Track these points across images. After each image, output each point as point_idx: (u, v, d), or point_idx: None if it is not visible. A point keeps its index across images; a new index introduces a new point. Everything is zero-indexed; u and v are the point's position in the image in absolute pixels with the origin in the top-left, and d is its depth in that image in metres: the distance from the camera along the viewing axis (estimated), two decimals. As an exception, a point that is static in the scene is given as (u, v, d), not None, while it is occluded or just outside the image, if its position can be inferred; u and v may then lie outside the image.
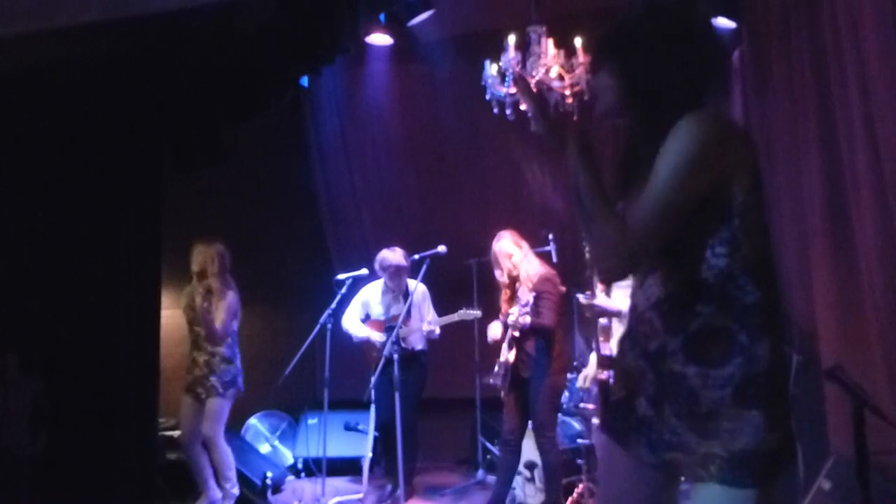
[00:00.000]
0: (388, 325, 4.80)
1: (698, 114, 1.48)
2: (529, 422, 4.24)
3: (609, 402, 1.76)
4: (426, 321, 4.90)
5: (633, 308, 1.64)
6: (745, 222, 1.48)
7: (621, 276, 1.70)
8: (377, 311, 5.00)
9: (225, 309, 4.42)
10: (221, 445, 4.45)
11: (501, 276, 4.26)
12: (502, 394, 4.25)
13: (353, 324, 5.00)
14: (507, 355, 4.13)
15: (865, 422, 2.45)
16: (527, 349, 4.13)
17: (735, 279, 1.47)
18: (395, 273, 4.85)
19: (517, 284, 4.18)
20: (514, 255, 4.18)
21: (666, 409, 1.51)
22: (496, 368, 4.23)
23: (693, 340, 1.48)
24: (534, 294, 3.98)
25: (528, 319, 3.97)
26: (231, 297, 4.48)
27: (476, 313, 4.83)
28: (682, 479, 1.57)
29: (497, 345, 4.23)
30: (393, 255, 4.86)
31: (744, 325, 1.45)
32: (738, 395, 1.44)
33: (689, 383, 1.48)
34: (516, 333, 4.07)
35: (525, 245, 4.26)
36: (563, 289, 4.18)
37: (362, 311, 5.05)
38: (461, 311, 4.85)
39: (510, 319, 4.02)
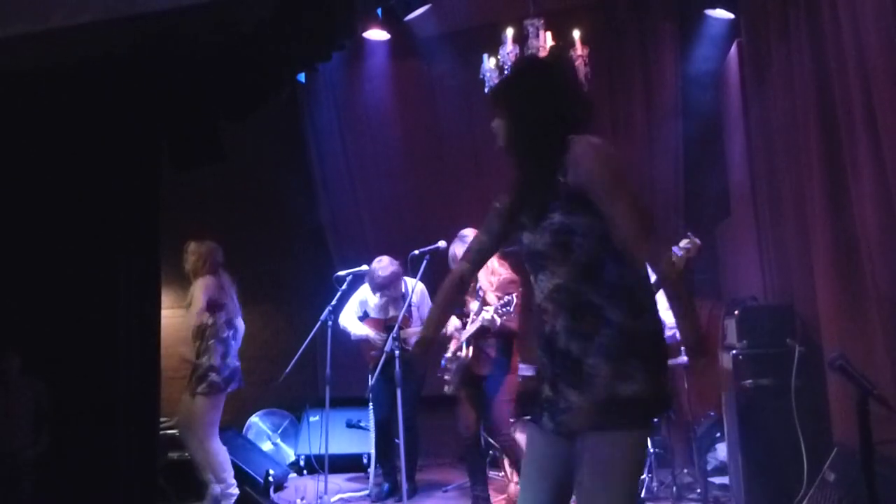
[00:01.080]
0: (387, 325, 4.78)
1: (583, 138, 1.86)
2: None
3: (526, 400, 2.08)
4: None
5: (534, 305, 1.96)
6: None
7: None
8: (375, 311, 4.98)
9: (195, 302, 4.37)
10: (211, 447, 4.41)
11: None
12: (447, 388, 4.23)
13: (350, 322, 4.97)
14: (466, 351, 4.12)
15: (870, 412, 2.44)
16: (485, 348, 4.13)
17: (604, 261, 1.83)
18: (389, 286, 4.82)
19: (477, 281, 4.13)
20: None
21: (559, 386, 1.85)
22: (446, 364, 4.19)
23: (572, 318, 1.83)
24: (507, 298, 3.92)
25: (497, 321, 3.96)
26: (201, 288, 4.40)
27: (458, 337, 4.84)
28: (571, 435, 1.83)
29: (448, 339, 4.23)
30: (381, 269, 4.74)
31: (605, 297, 1.81)
32: (608, 358, 1.78)
33: (573, 356, 1.82)
34: (473, 328, 4.07)
35: None
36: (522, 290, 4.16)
37: (360, 310, 5.02)
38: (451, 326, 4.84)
39: (485, 316, 3.98)
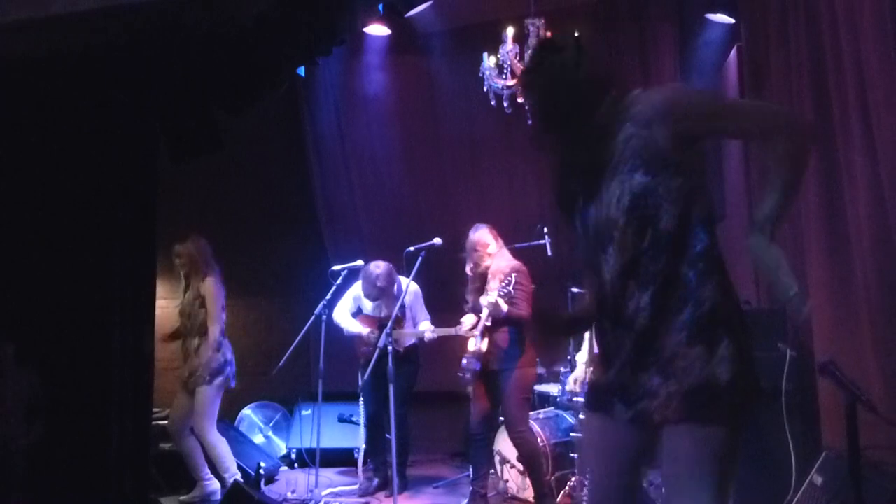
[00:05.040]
0: (381, 323, 4.78)
1: (644, 90, 1.73)
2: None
3: (589, 386, 1.93)
4: (421, 325, 4.89)
5: (600, 284, 1.75)
6: (697, 176, 1.68)
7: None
8: (369, 307, 4.98)
9: (212, 301, 4.49)
10: (213, 439, 4.46)
11: (472, 268, 4.23)
12: (466, 386, 4.22)
13: (343, 317, 4.98)
14: (480, 345, 4.09)
15: (858, 417, 2.47)
16: (497, 341, 4.11)
17: (692, 228, 1.64)
18: (384, 294, 4.82)
19: (487, 277, 4.15)
20: (489, 247, 4.16)
21: (638, 368, 1.66)
22: (465, 361, 4.18)
23: (658, 293, 1.63)
24: (507, 280, 3.93)
25: (504, 307, 3.95)
26: (214, 286, 4.52)
27: (475, 333, 4.85)
28: (655, 425, 1.65)
29: (466, 337, 4.23)
30: (379, 279, 4.74)
31: (695, 270, 1.62)
32: (691, 336, 1.59)
33: (654, 334, 1.63)
34: (488, 323, 4.06)
35: (500, 241, 4.25)
36: (533, 285, 4.16)
37: (354, 306, 5.03)
38: (459, 328, 4.86)
39: (486, 301, 3.96)
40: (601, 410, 1.77)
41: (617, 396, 1.71)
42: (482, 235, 4.18)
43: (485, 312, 4.02)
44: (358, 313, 5.03)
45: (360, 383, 4.74)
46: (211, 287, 4.50)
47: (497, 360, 4.11)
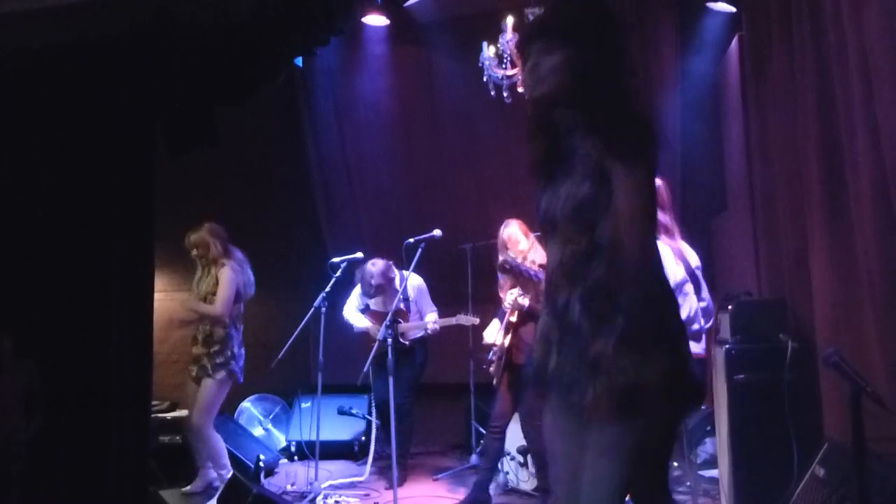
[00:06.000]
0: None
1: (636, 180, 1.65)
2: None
3: (532, 367, 1.92)
4: (427, 317, 4.92)
5: (546, 270, 1.86)
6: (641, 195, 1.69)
7: None
8: (375, 302, 5.04)
9: (225, 286, 4.42)
10: (210, 435, 4.43)
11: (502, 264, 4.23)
12: (494, 380, 4.23)
13: (352, 314, 5.09)
14: (503, 340, 4.11)
15: (863, 408, 2.45)
16: (522, 335, 4.11)
17: (620, 244, 1.67)
18: (381, 292, 4.85)
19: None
20: (520, 243, 4.14)
21: (566, 358, 1.73)
22: (490, 355, 4.21)
23: (587, 295, 1.70)
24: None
25: (526, 302, 3.94)
26: (229, 272, 4.46)
27: (474, 320, 4.85)
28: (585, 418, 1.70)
29: (468, 329, 4.25)
30: (374, 277, 4.84)
31: (626, 281, 1.67)
32: (620, 342, 1.64)
33: (582, 334, 1.69)
34: (513, 318, 4.06)
35: (532, 236, 4.23)
36: None
37: (361, 302, 5.13)
38: (459, 317, 4.86)
39: (510, 299, 3.99)
40: (544, 399, 1.86)
41: (554, 385, 1.78)
42: (512, 232, 4.17)
43: (510, 309, 4.04)
44: (366, 309, 5.13)
45: (370, 377, 4.77)
46: (225, 273, 4.44)
47: (521, 353, 4.11)
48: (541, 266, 4.01)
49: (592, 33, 1.72)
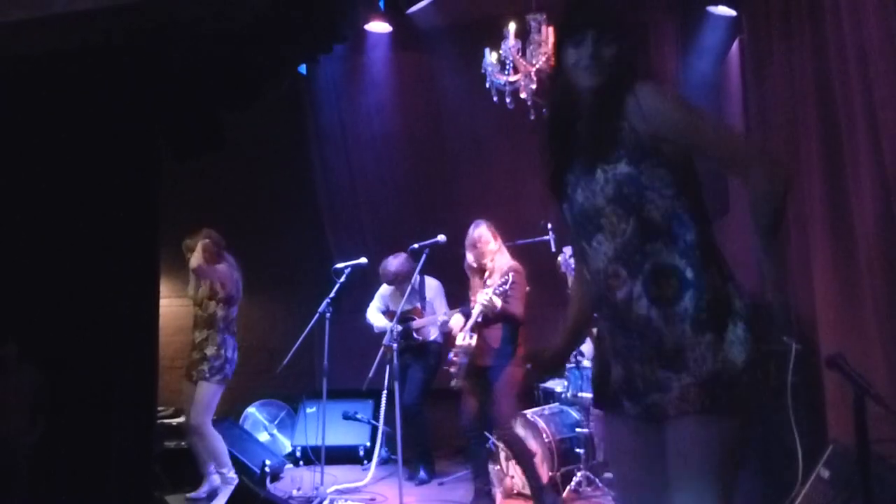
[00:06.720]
0: (404, 318, 4.85)
1: (647, 83, 1.68)
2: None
3: (592, 382, 1.87)
4: (440, 313, 4.96)
5: (593, 272, 1.73)
6: (683, 168, 1.67)
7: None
8: (394, 304, 5.11)
9: (220, 289, 4.53)
10: (210, 433, 4.47)
11: (472, 262, 4.22)
12: (453, 382, 4.19)
13: (374, 315, 5.22)
14: (469, 341, 4.10)
15: (867, 410, 2.45)
16: (488, 338, 4.11)
17: (679, 217, 1.63)
18: (397, 280, 4.97)
19: (486, 273, 4.15)
20: (490, 244, 4.15)
21: (634, 361, 1.64)
22: (452, 356, 4.17)
23: (649, 281, 1.61)
24: (504, 278, 3.94)
25: (498, 304, 3.95)
26: (224, 277, 4.55)
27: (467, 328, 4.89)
28: (669, 419, 1.61)
29: (454, 337, 4.26)
30: (393, 265, 4.99)
31: (687, 260, 1.61)
32: (695, 326, 1.57)
33: (654, 325, 1.60)
34: (479, 320, 4.06)
35: (500, 239, 4.24)
36: (528, 288, 4.15)
37: (382, 304, 5.24)
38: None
39: (482, 299, 3.97)
40: (609, 409, 1.76)
41: (622, 393, 1.69)
42: (483, 232, 4.17)
43: (477, 308, 4.04)
44: (386, 311, 5.22)
45: (392, 381, 4.81)
46: (217, 279, 4.54)
47: (488, 356, 4.11)
48: (510, 269, 4.03)
49: (629, 28, 1.80)
